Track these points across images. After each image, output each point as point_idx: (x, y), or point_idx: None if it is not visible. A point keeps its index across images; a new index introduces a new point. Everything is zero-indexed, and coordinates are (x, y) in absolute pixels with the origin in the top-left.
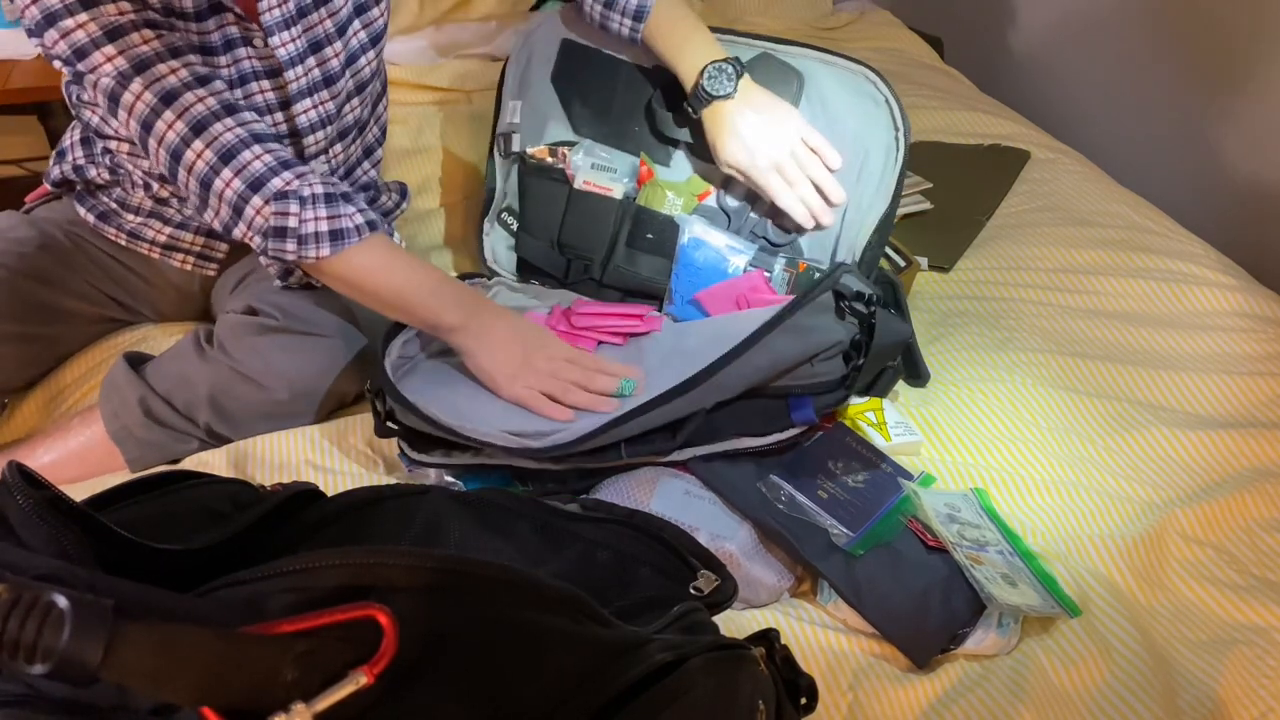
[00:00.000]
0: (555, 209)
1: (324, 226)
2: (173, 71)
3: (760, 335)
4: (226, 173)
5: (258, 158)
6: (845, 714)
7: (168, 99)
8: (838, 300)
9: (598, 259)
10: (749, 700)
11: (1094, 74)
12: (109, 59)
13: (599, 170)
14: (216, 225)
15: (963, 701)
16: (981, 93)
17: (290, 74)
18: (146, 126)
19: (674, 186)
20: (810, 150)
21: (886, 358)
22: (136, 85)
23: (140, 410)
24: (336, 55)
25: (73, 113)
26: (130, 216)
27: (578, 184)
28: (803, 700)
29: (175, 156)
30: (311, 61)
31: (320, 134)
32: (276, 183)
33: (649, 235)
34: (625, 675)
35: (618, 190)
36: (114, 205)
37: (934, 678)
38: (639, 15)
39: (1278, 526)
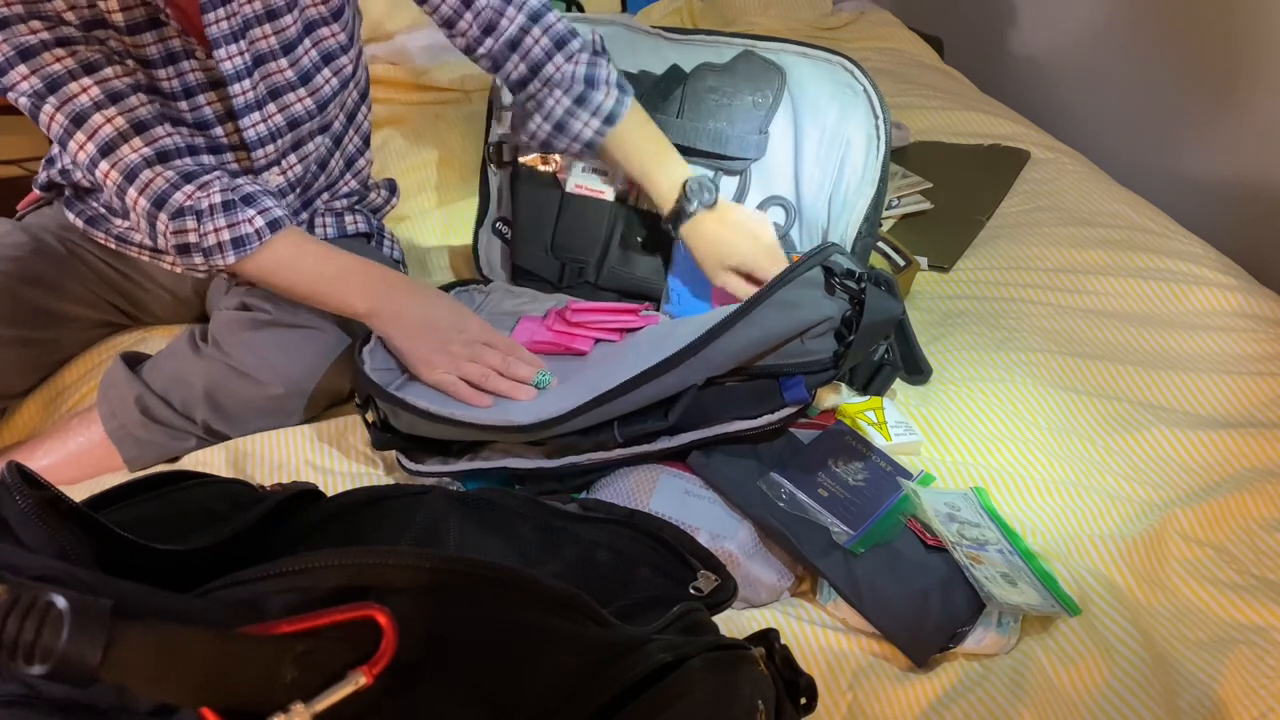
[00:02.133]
0: (548, 214)
1: (225, 236)
2: (84, 90)
3: (748, 309)
4: (132, 192)
5: (159, 175)
6: (845, 714)
7: (78, 120)
8: (828, 277)
9: (592, 261)
10: (749, 700)
11: (1094, 74)
12: (24, 78)
13: (590, 174)
14: (148, 241)
15: (963, 701)
16: (981, 93)
17: (235, 88)
18: (63, 145)
19: None
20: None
21: (878, 335)
22: (49, 107)
23: (137, 409)
24: (282, 71)
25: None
26: (118, 220)
27: (569, 188)
28: (802, 700)
29: (91, 173)
30: (257, 76)
31: (270, 147)
32: (178, 197)
33: (641, 235)
34: (625, 676)
35: (609, 193)
36: (101, 210)
37: (934, 677)
38: (610, 119)
39: (1278, 526)
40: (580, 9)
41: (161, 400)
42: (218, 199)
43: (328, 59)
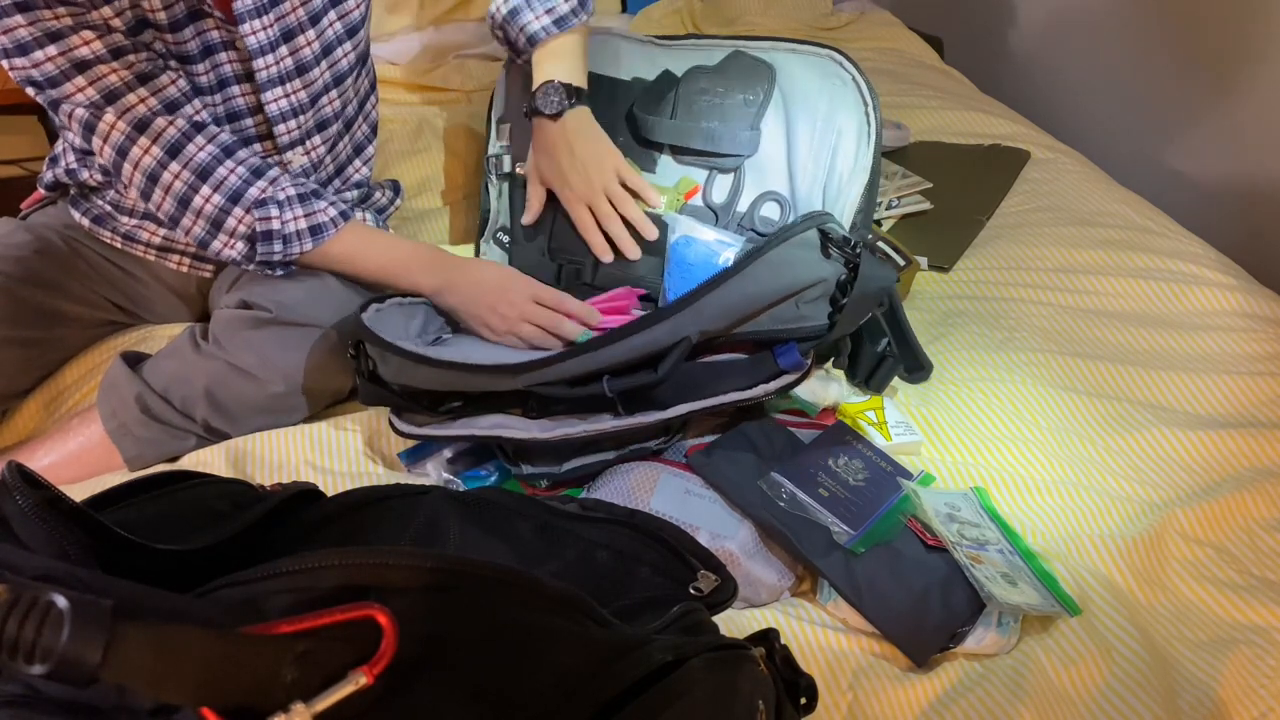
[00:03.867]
0: (544, 217)
1: (303, 224)
2: (141, 101)
3: (744, 264)
4: (205, 189)
5: (232, 172)
6: (845, 714)
7: (141, 126)
8: (824, 241)
9: (588, 263)
10: (749, 700)
11: (1094, 74)
12: (80, 90)
13: None
14: (189, 240)
15: (963, 701)
16: (981, 93)
17: (259, 62)
18: (122, 153)
19: (659, 188)
20: (626, 190)
21: (872, 302)
22: (110, 115)
23: (138, 408)
24: (309, 44)
25: (58, 131)
26: (124, 219)
27: None
28: (803, 700)
29: (153, 179)
30: (284, 50)
31: (293, 123)
32: (253, 192)
33: (636, 237)
34: (625, 676)
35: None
36: (108, 208)
37: (934, 677)
38: (560, 23)
39: (1278, 526)
40: None
41: (162, 399)
42: (292, 192)
43: (351, 32)
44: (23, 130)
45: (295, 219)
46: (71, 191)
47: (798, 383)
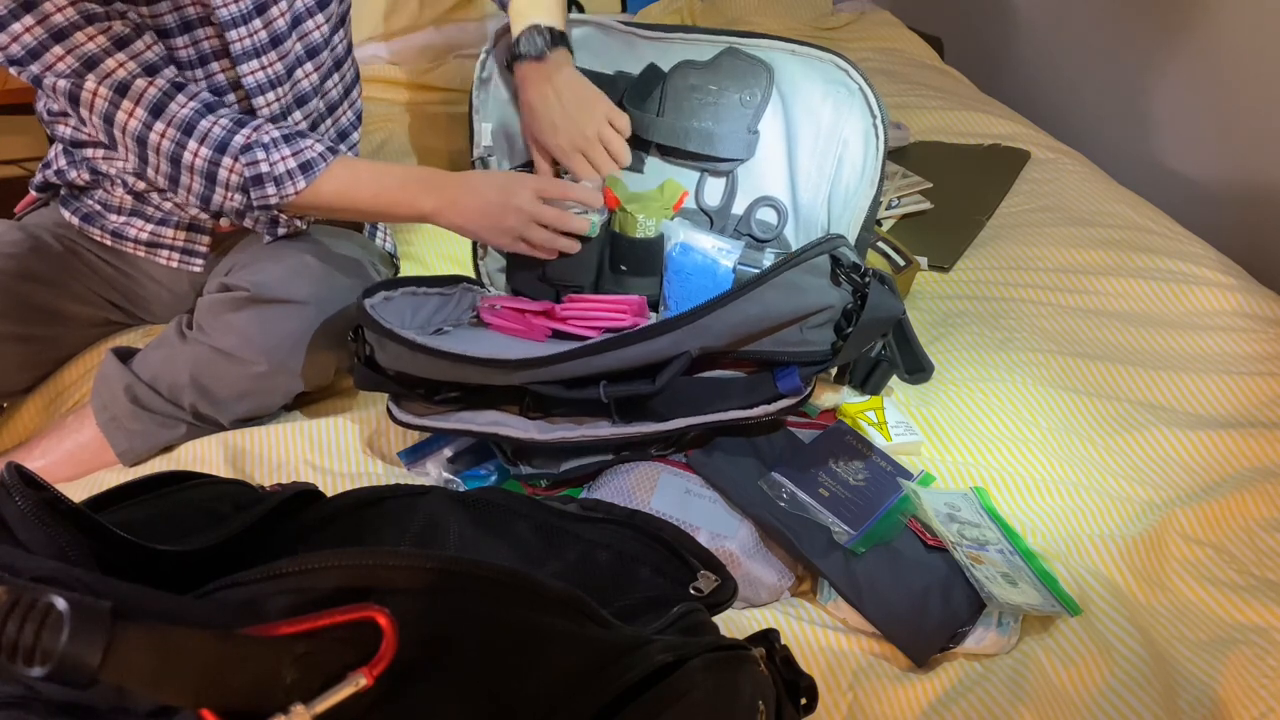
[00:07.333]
0: None
1: (292, 163)
2: (120, 65)
3: (752, 286)
4: (192, 144)
5: (215, 124)
6: (845, 714)
7: (122, 90)
8: (834, 267)
9: (586, 286)
10: (749, 701)
11: (1095, 74)
12: (59, 59)
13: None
14: (192, 201)
15: (963, 701)
16: (981, 93)
17: (233, 34)
18: (108, 120)
19: (645, 207)
20: (615, 131)
21: (876, 332)
22: (90, 82)
23: (127, 398)
24: (282, 15)
25: (47, 131)
26: (113, 217)
27: None
28: (803, 700)
29: (141, 141)
30: (257, 23)
31: (271, 95)
32: (238, 140)
33: (633, 258)
34: (625, 676)
35: (596, 226)
36: (97, 207)
37: (934, 677)
38: None
39: (1278, 526)
40: (580, 9)
41: (150, 388)
42: (276, 134)
43: (321, 5)
44: (23, 130)
45: (283, 159)
46: (61, 192)
47: (798, 406)
